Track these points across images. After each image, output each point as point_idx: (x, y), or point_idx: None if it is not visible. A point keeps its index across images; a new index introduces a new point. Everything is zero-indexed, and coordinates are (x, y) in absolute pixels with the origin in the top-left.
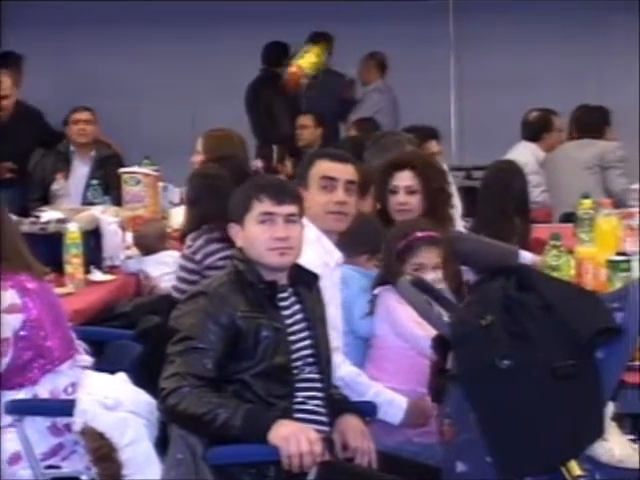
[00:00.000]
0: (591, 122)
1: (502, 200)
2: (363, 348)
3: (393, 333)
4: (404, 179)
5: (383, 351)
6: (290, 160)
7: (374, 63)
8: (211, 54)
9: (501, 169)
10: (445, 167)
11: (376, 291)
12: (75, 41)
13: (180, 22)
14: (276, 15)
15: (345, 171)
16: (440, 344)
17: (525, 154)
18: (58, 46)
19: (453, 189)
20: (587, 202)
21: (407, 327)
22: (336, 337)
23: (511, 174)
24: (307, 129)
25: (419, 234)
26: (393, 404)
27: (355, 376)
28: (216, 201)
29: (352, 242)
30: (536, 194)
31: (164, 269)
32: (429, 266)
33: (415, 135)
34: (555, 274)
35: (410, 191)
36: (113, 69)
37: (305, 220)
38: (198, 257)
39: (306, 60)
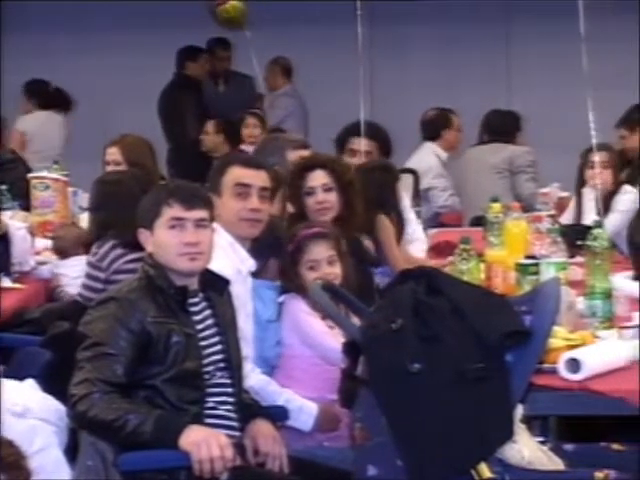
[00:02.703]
0: (502, 126)
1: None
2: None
3: (300, 342)
4: (319, 178)
5: (291, 359)
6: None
7: (279, 68)
8: (125, 57)
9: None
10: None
11: (281, 299)
12: None
13: (96, 24)
14: (191, 18)
15: (259, 177)
16: (351, 349)
17: (429, 156)
18: None
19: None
20: (496, 206)
21: (316, 337)
22: (245, 346)
23: (370, 171)
24: (208, 135)
25: (305, 232)
26: (303, 411)
27: (265, 384)
28: (117, 207)
29: (259, 247)
30: (444, 198)
31: (80, 274)
32: (323, 261)
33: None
34: (465, 278)
35: (327, 189)
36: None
37: (217, 227)
38: (104, 264)
39: None
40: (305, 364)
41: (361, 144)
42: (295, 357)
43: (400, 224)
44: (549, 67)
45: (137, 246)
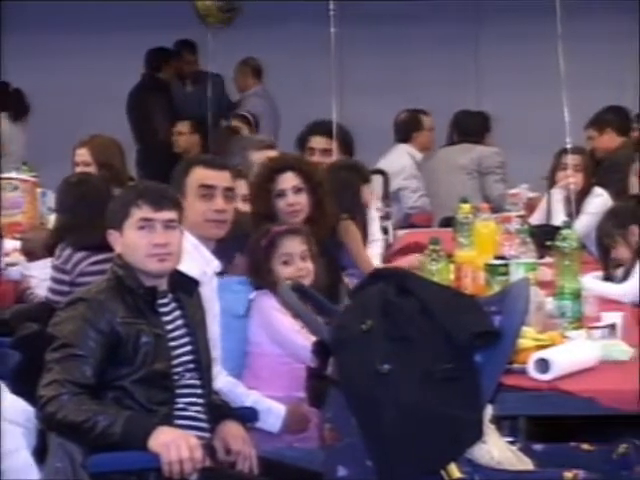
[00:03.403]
0: (471, 127)
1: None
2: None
3: (269, 340)
4: (289, 180)
5: (259, 358)
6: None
7: (249, 69)
8: (95, 58)
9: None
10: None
11: (251, 295)
12: None
13: (68, 25)
14: (158, 19)
15: (223, 178)
16: (320, 349)
17: (403, 157)
18: None
19: None
20: (466, 207)
21: (286, 335)
22: (213, 348)
23: (336, 170)
24: (183, 135)
25: (278, 227)
26: (271, 412)
27: (232, 387)
28: (82, 209)
29: (225, 244)
30: (414, 199)
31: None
32: (296, 255)
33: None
34: (434, 278)
35: (297, 190)
36: None
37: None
38: (69, 267)
39: None
40: (273, 363)
41: (321, 143)
42: (263, 356)
43: (364, 225)
44: (518, 68)
45: (101, 247)
